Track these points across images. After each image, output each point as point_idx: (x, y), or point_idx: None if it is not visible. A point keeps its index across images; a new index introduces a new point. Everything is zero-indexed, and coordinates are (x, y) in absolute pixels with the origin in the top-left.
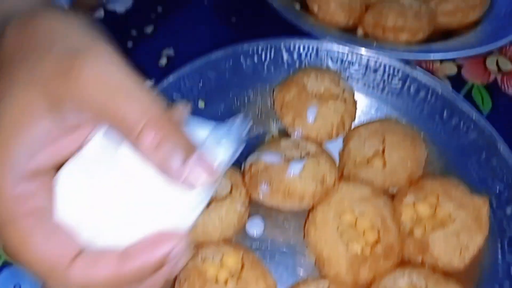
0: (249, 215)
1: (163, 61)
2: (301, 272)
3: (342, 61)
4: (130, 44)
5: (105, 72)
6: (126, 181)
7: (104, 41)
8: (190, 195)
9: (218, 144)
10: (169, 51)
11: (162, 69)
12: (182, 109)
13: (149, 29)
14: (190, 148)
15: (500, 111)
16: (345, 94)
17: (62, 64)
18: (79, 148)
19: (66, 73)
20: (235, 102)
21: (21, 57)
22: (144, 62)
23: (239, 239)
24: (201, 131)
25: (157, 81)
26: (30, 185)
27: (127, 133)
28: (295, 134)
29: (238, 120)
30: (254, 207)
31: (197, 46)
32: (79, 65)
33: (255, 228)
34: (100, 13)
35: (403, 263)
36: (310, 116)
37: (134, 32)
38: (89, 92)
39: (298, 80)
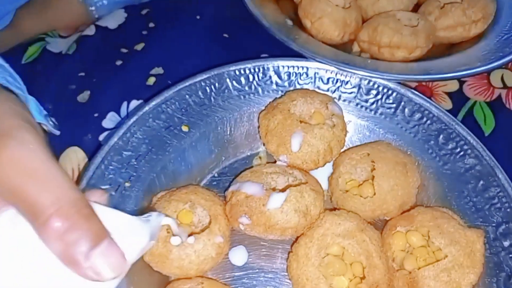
0: (233, 244)
1: (152, 80)
2: None
3: (333, 81)
4: (119, 62)
5: (24, 157)
6: (30, 267)
7: (30, 124)
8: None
9: (129, 237)
10: (158, 70)
11: (150, 88)
12: (100, 195)
13: (139, 47)
14: (98, 238)
15: (504, 130)
16: (334, 118)
17: None
18: None
19: None
20: (221, 125)
21: None
22: (133, 81)
23: (222, 268)
24: (115, 221)
25: (145, 101)
26: None
27: (34, 219)
28: (281, 161)
29: (154, 215)
30: (237, 235)
31: (188, 63)
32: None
33: (239, 257)
34: (91, 29)
35: None
36: (295, 144)
37: (124, 50)
38: (5, 173)
39: (283, 105)
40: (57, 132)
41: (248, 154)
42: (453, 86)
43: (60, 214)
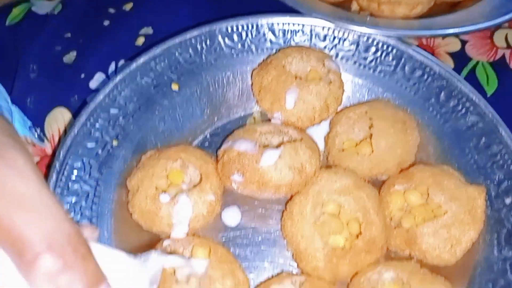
0: (225, 204)
1: (141, 40)
2: (281, 263)
3: (330, 38)
4: (106, 22)
5: (12, 181)
6: None
7: (19, 143)
8: None
9: (127, 281)
10: (148, 30)
11: (139, 48)
12: (91, 232)
13: (128, 6)
14: (95, 282)
15: (507, 91)
16: (330, 75)
17: None
18: None
19: None
20: (213, 84)
21: None
22: (121, 41)
23: (214, 229)
24: (112, 262)
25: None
26: None
27: (18, 255)
28: (275, 119)
29: (153, 255)
30: (230, 195)
31: (177, 23)
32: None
33: (231, 217)
34: None
35: (390, 257)
36: (289, 101)
37: (111, 10)
38: None
39: (278, 61)
40: (42, 145)
41: (242, 114)
42: (455, 46)
43: (52, 251)
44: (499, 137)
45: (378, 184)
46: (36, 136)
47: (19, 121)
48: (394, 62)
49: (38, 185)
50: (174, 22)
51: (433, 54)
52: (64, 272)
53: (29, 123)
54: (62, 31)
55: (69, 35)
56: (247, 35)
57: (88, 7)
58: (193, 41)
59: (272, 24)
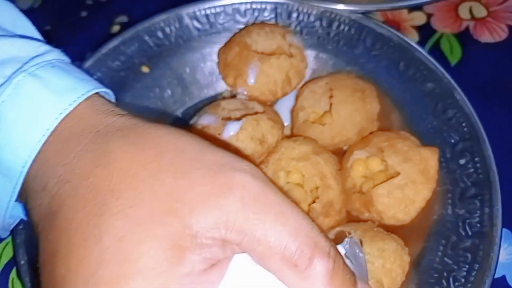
0: None
1: (116, 28)
2: None
3: (295, 16)
4: (84, 13)
5: (261, 190)
6: None
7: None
8: None
9: None
10: (123, 18)
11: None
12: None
13: None
14: (353, 280)
15: (471, 60)
16: (292, 49)
17: (213, 184)
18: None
19: (220, 194)
20: (183, 66)
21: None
22: (97, 31)
23: None
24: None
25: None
26: None
27: (289, 265)
28: (240, 94)
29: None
30: None
31: (153, 9)
32: (236, 182)
33: None
34: None
35: (352, 221)
36: (251, 75)
37: (89, 1)
38: (239, 213)
39: (240, 38)
40: None
41: (212, 94)
42: (421, 19)
43: (321, 254)
44: (454, 102)
45: (342, 155)
46: None
47: None
48: (356, 36)
49: (279, 191)
50: (149, 9)
51: (398, 28)
52: (335, 274)
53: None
54: (42, 24)
55: (49, 27)
56: (214, 17)
57: (67, 0)
58: (161, 24)
59: (238, 4)
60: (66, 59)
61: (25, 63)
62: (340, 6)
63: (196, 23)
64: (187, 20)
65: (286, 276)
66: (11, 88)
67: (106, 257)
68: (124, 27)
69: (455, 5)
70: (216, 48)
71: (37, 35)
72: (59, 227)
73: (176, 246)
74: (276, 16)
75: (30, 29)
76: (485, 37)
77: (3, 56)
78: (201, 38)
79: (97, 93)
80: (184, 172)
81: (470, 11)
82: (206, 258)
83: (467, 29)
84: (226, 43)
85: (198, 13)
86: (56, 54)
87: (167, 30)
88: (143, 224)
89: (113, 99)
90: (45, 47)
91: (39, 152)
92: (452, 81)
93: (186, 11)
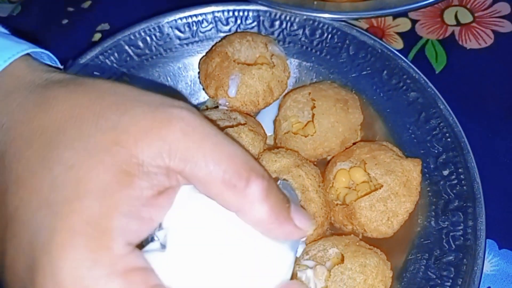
0: None
1: (98, 36)
2: None
3: (278, 24)
4: (65, 21)
5: (198, 122)
6: (220, 237)
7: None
8: (281, 249)
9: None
10: (104, 26)
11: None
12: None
13: (86, 4)
14: (286, 199)
15: (456, 67)
16: (274, 59)
17: (154, 118)
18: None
19: (161, 126)
20: (164, 75)
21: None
22: (79, 39)
23: None
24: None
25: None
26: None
27: (228, 187)
28: (222, 105)
29: None
30: None
31: (135, 17)
32: (174, 115)
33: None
34: None
35: (335, 234)
36: (232, 87)
37: (70, 8)
38: (180, 142)
39: (221, 48)
40: None
41: (195, 103)
42: (405, 26)
43: (256, 175)
44: (438, 112)
45: (326, 164)
46: None
47: None
48: (339, 44)
49: (213, 126)
50: (133, 16)
51: (383, 35)
52: (270, 190)
53: None
54: (22, 31)
55: (29, 35)
56: (196, 25)
57: (47, 7)
58: (142, 33)
59: (220, 12)
60: (3, 30)
61: None
62: (323, 14)
63: (177, 32)
64: (168, 29)
65: (226, 198)
66: None
67: (58, 183)
68: (106, 35)
69: (440, 11)
70: (198, 57)
71: None
72: (7, 167)
73: (124, 172)
74: (258, 24)
75: None
76: (471, 43)
77: None
78: (183, 47)
79: (32, 56)
80: (126, 110)
81: (456, 17)
82: (153, 185)
83: (452, 34)
84: (207, 53)
85: (179, 21)
86: None
87: (148, 39)
88: (91, 154)
89: (56, 61)
90: None
91: None
92: (435, 91)
93: (166, 20)
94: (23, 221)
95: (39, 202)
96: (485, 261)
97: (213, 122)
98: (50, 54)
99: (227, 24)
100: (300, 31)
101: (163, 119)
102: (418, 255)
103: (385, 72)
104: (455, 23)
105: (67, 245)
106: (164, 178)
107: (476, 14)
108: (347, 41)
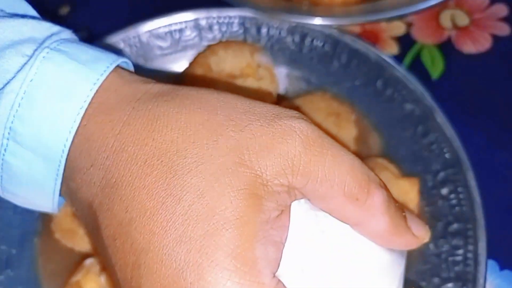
0: None
1: None
2: None
3: (265, 30)
4: None
5: (316, 133)
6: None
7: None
8: (396, 257)
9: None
10: (83, 33)
11: None
12: None
13: (64, 10)
14: (401, 208)
15: (453, 73)
16: (261, 70)
17: (274, 133)
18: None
19: (282, 141)
20: None
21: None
22: None
23: None
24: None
25: None
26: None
27: (348, 199)
28: None
29: None
30: None
31: (115, 23)
32: (293, 128)
33: None
34: None
35: None
36: None
37: (47, 14)
38: (301, 157)
39: (204, 59)
40: None
41: None
42: (400, 30)
43: (375, 186)
44: (435, 125)
45: None
46: None
47: None
48: (330, 52)
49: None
50: (113, 24)
51: (377, 39)
52: (390, 203)
53: None
54: None
55: None
56: (178, 33)
57: None
58: (121, 44)
59: (204, 18)
60: (77, 38)
61: (44, 41)
62: (313, 20)
63: (158, 41)
64: (147, 38)
65: (348, 211)
66: (36, 66)
67: (192, 214)
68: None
69: (436, 13)
70: (181, 67)
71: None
72: (125, 196)
73: (253, 196)
74: (244, 32)
75: (31, 12)
76: (468, 48)
77: (18, 36)
78: (165, 57)
79: (118, 65)
80: (243, 125)
81: (452, 20)
82: (279, 205)
83: (449, 39)
84: (190, 64)
85: (160, 30)
86: (69, 33)
87: (127, 50)
88: (218, 178)
89: (132, 69)
90: (57, 27)
91: (79, 127)
92: (433, 102)
93: (146, 29)
94: (161, 257)
95: (176, 237)
96: (487, 282)
97: None
98: (128, 61)
99: (212, 31)
100: (289, 38)
101: (283, 133)
102: (416, 282)
103: (379, 81)
104: (451, 26)
105: (220, 285)
106: (286, 196)
107: (473, 17)
108: (339, 49)
